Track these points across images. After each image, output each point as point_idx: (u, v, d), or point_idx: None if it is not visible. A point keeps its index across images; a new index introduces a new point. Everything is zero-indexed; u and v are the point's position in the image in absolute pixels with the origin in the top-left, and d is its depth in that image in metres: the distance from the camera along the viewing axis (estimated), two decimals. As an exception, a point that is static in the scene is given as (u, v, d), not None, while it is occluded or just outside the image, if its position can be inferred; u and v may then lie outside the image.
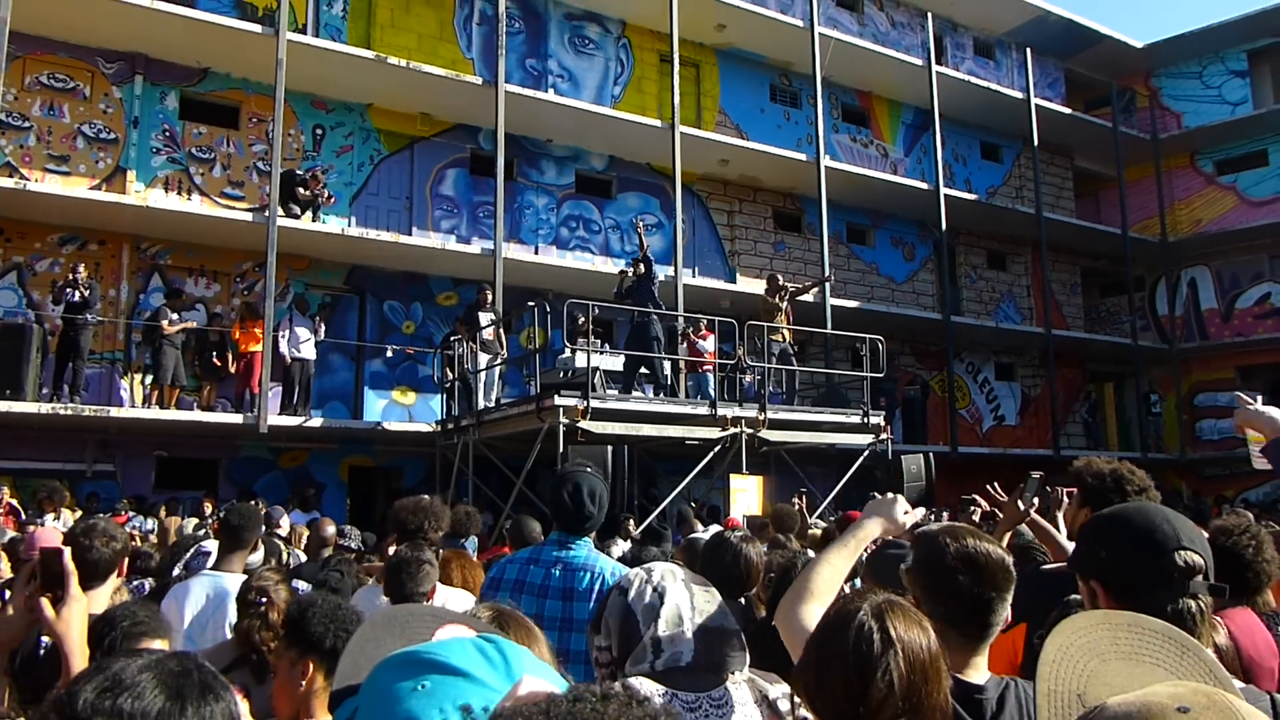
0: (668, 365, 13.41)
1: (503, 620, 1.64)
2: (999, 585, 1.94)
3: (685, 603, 1.92)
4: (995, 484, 6.20)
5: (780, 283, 13.76)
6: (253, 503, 10.93)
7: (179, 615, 3.97)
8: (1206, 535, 1.98)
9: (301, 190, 13.59)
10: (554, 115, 15.89)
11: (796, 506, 7.86)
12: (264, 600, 3.15)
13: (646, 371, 12.48)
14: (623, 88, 17.88)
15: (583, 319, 11.38)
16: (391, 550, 4.09)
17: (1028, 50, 21.72)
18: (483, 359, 12.59)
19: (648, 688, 1.82)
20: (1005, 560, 1.97)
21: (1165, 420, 23.64)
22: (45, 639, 3.22)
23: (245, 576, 3.74)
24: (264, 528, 5.87)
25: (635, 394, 12.00)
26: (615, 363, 12.22)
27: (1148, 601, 1.70)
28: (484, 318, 12.63)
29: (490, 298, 12.75)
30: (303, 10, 14.95)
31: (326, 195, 14.12)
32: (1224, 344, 23.42)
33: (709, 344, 13.32)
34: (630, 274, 12.42)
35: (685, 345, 13.59)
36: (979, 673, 1.96)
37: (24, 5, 11.84)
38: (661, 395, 12.40)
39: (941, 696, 1.58)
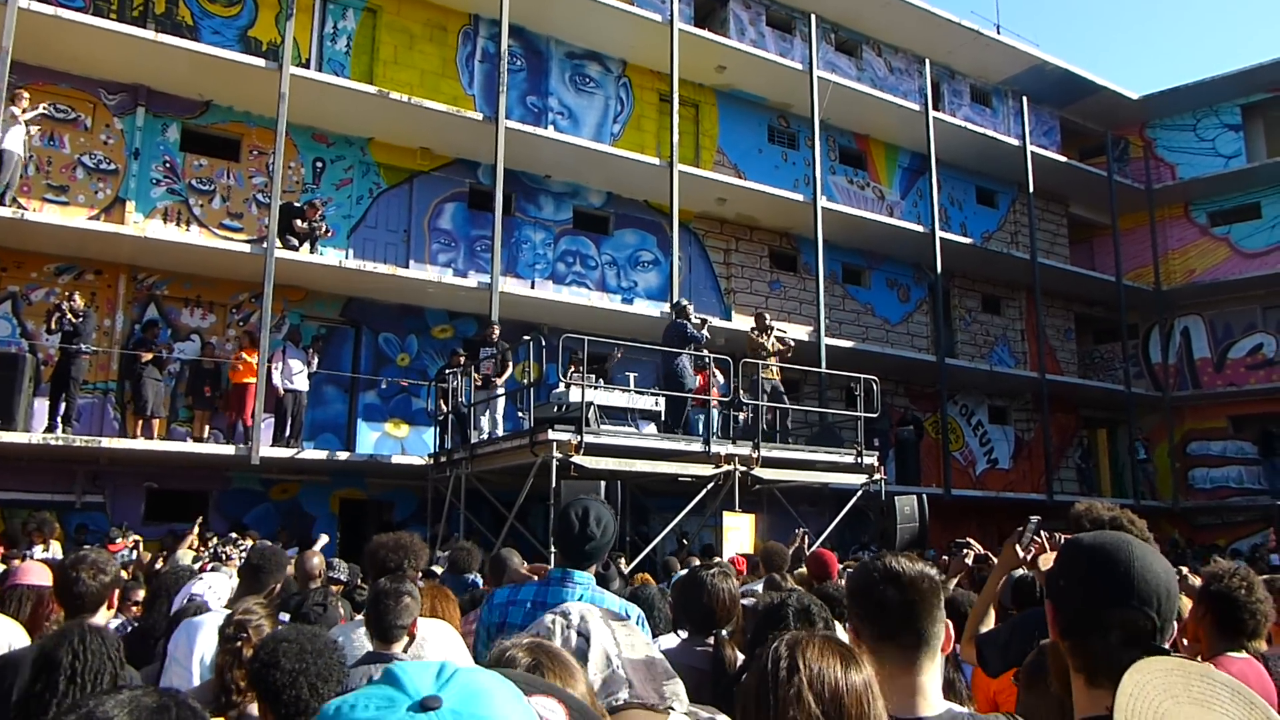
0: (655, 402, 13.43)
1: (541, 662, 1.61)
2: (923, 593, 1.96)
3: (610, 641, 1.91)
4: (970, 539, 6.20)
5: (767, 321, 13.84)
6: (241, 534, 10.87)
7: (188, 651, 3.90)
8: (1199, 583, 1.94)
9: (299, 222, 13.64)
10: (553, 151, 16.01)
11: (796, 543, 7.79)
12: (242, 636, 3.08)
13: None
14: (622, 126, 18.04)
15: (579, 354, 11.41)
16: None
17: (1024, 99, 21.97)
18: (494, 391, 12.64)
19: None
20: (928, 572, 2.01)
21: (1158, 468, 23.63)
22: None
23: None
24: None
25: (628, 429, 11.98)
26: (610, 398, 12.21)
27: (1082, 643, 1.71)
28: (485, 353, 12.66)
29: (496, 335, 12.78)
30: (306, 45, 15.10)
31: (325, 228, 14.17)
32: (1216, 393, 23.49)
33: (719, 379, 13.43)
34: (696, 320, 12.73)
35: (700, 379, 13.62)
36: (930, 703, 1.94)
37: (27, 36, 11.93)
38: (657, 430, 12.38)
39: None
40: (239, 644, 3.01)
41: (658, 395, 12.56)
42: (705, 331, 12.84)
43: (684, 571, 6.89)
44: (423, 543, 4.32)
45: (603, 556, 3.38)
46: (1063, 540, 3.14)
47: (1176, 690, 1.36)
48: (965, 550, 6.31)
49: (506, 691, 0.96)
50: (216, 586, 4.78)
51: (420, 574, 4.40)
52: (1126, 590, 1.69)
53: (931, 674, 1.97)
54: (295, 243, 13.61)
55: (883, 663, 1.89)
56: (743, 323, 17.43)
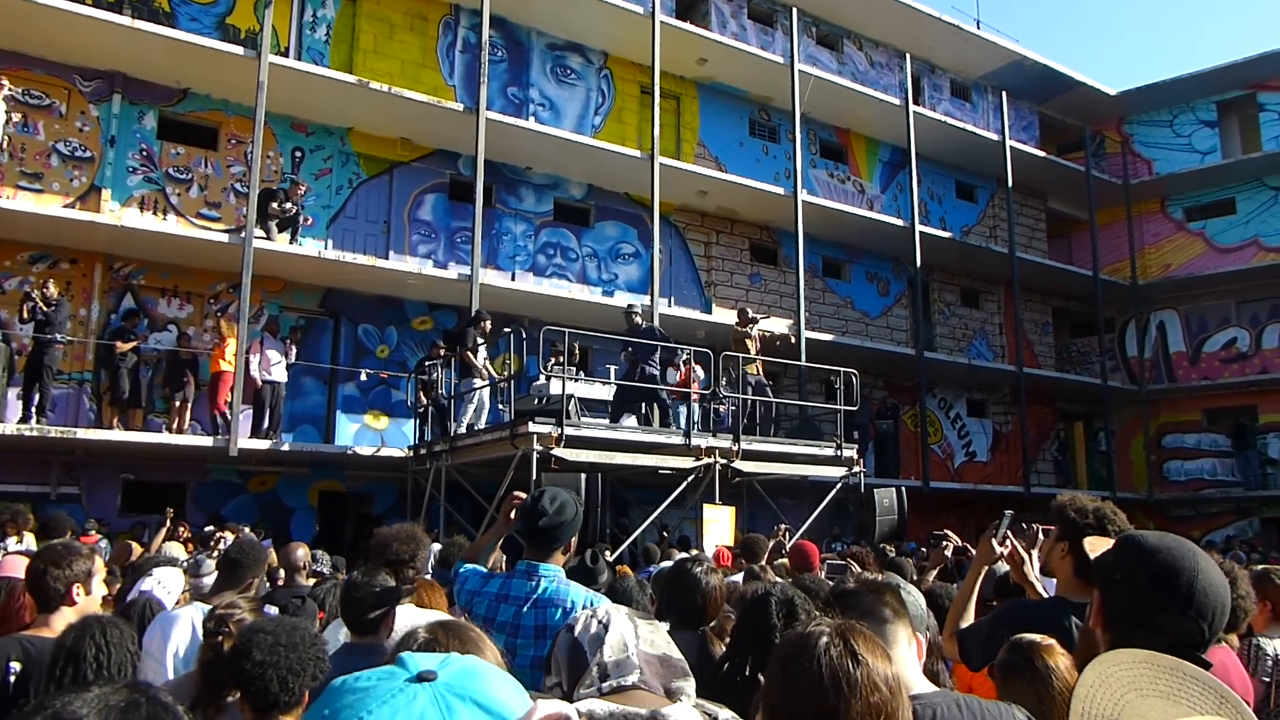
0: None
1: (440, 638, 1.63)
2: (881, 584, 2.21)
3: (630, 632, 1.97)
4: (948, 531, 6.25)
5: (750, 315, 13.85)
6: (218, 528, 10.78)
7: (162, 645, 3.87)
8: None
9: (275, 205, 13.41)
10: (534, 143, 15.95)
11: (778, 537, 7.82)
12: (224, 630, 3.06)
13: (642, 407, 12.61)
14: (603, 118, 17.99)
15: (559, 346, 11.40)
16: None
17: (1003, 94, 22.08)
18: (476, 381, 12.58)
19: (599, 708, 1.83)
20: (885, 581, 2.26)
21: (1134, 460, 23.88)
22: (14, 665, 3.13)
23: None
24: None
25: (608, 421, 11.97)
26: (591, 390, 12.21)
27: (1127, 640, 1.69)
28: (483, 347, 12.58)
29: (489, 327, 12.73)
30: (285, 33, 14.96)
31: (304, 218, 14.02)
32: (1191, 386, 23.76)
33: (699, 373, 13.44)
34: (640, 320, 12.54)
35: (679, 375, 13.66)
36: (912, 682, 2.00)
37: (0, 21, 11.75)
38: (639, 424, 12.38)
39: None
40: (220, 639, 2.99)
41: (637, 387, 12.56)
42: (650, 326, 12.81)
43: (668, 564, 6.91)
44: (427, 535, 4.31)
45: (565, 539, 3.30)
46: (1047, 536, 3.16)
47: (1142, 683, 1.37)
48: (944, 542, 6.35)
49: (505, 680, 0.99)
50: (166, 581, 4.74)
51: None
52: (1187, 602, 1.70)
53: (907, 652, 2.04)
54: (274, 227, 13.42)
55: None
56: (723, 315, 17.47)
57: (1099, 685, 1.38)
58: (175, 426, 12.80)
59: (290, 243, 13.71)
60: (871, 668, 1.54)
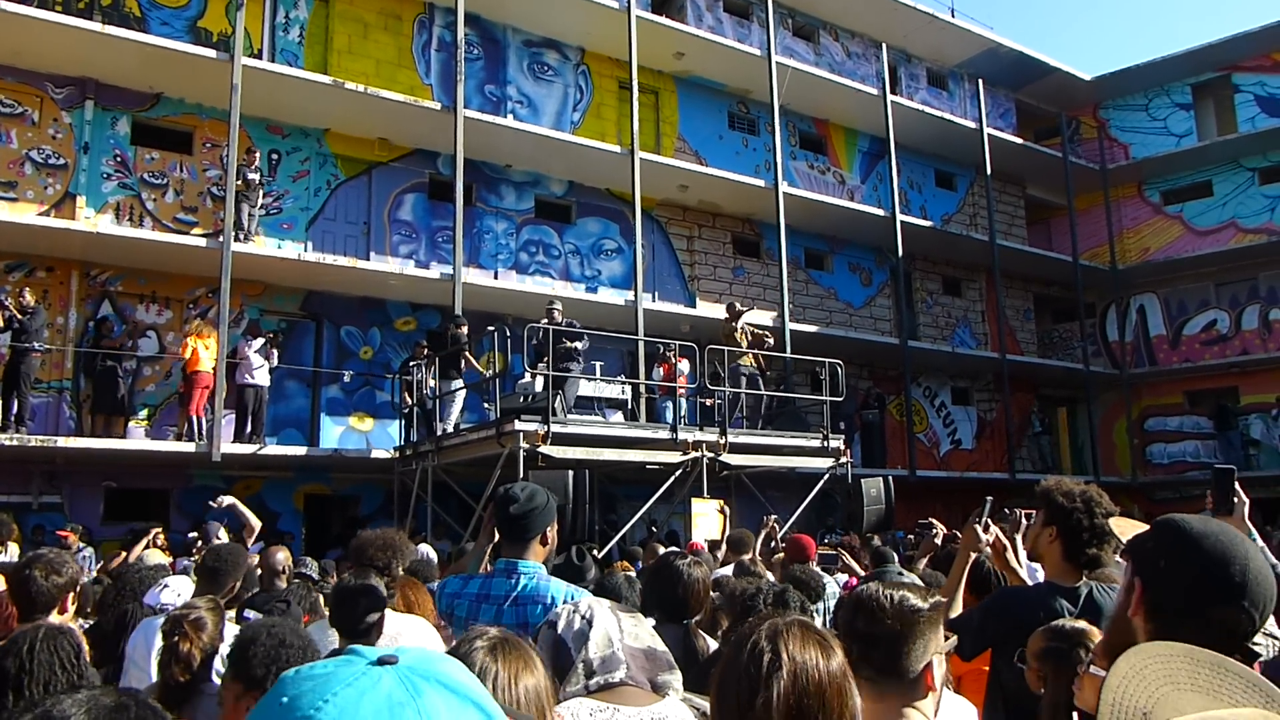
0: (621, 390, 13.44)
1: (497, 651, 1.59)
2: (887, 627, 1.90)
3: (613, 626, 1.94)
4: (933, 519, 6.25)
5: (738, 308, 13.86)
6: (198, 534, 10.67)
7: (146, 652, 3.83)
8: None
9: (242, 181, 13.23)
10: (513, 141, 15.89)
11: (766, 529, 7.82)
12: (179, 632, 3.03)
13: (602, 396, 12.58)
14: (582, 114, 17.95)
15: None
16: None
17: (980, 81, 22.16)
18: (456, 382, 12.56)
19: (587, 706, 1.81)
20: (906, 606, 1.92)
21: (1117, 444, 24.03)
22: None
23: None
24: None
25: (596, 418, 11.97)
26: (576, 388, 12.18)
27: (1173, 633, 1.61)
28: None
29: (466, 331, 12.71)
30: (258, 35, 14.86)
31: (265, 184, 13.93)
32: (1172, 369, 23.90)
33: (684, 367, 13.40)
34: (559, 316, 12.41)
35: (663, 370, 13.64)
36: None
37: (-29, 28, 11.63)
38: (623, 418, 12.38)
39: (845, 718, 1.55)
40: (176, 639, 2.96)
41: (624, 383, 12.56)
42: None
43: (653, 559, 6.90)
44: (409, 542, 4.27)
45: (539, 527, 3.26)
46: (1032, 522, 3.15)
47: (1180, 678, 1.32)
48: (931, 530, 6.38)
49: (462, 667, 0.99)
50: (186, 594, 4.69)
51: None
52: (1239, 591, 1.65)
53: (904, 711, 1.89)
54: (256, 190, 13.24)
55: (865, 691, 1.84)
56: (706, 309, 17.49)
57: (1132, 676, 1.33)
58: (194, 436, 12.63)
59: (243, 238, 13.57)
60: (792, 670, 1.51)
